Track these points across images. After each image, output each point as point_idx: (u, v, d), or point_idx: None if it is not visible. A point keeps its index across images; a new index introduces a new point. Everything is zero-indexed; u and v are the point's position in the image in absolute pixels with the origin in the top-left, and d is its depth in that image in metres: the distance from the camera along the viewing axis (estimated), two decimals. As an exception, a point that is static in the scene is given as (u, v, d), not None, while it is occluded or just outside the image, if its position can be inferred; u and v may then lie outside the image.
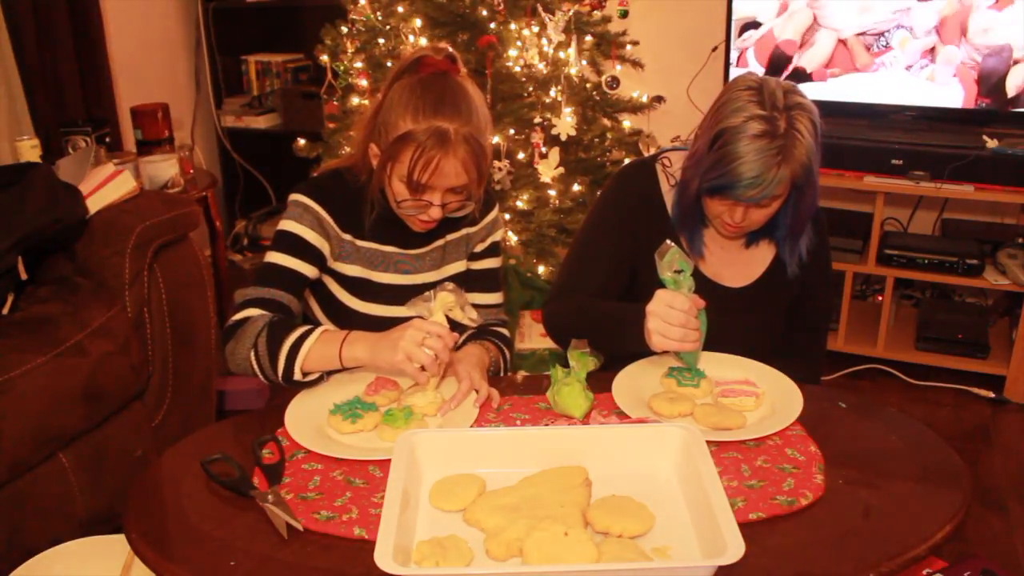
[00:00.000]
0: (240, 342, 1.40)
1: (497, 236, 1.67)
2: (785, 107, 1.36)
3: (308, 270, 1.49)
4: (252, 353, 1.38)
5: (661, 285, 1.39)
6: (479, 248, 1.65)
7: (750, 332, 1.58)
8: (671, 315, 1.35)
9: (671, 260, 1.37)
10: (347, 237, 1.52)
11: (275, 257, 1.48)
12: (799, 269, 1.58)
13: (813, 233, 1.58)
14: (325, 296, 1.57)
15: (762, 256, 1.61)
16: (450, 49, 1.45)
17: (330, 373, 1.42)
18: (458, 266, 1.62)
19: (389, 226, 1.53)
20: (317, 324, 1.58)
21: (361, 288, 1.54)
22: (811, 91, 2.92)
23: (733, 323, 1.54)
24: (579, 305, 1.58)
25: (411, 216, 1.46)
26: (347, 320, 1.54)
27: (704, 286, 1.55)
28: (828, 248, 1.66)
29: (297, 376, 1.37)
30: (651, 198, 1.60)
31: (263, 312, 1.42)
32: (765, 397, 1.38)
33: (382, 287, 1.54)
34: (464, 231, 1.61)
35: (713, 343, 1.46)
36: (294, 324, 1.40)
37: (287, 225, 1.48)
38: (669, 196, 1.59)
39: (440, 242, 1.59)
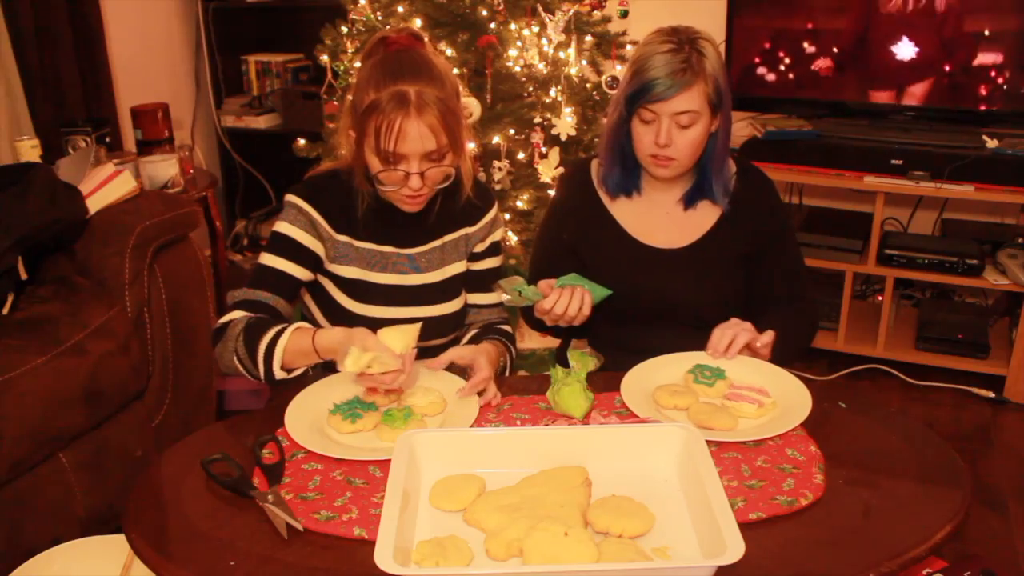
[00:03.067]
0: (224, 345, 1.41)
1: (497, 236, 1.67)
2: (688, 38, 1.53)
3: (300, 272, 1.49)
4: (235, 356, 1.39)
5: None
6: (479, 248, 1.64)
7: (701, 289, 1.67)
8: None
9: (511, 285, 1.50)
10: (343, 239, 1.51)
11: (267, 259, 1.48)
12: (753, 234, 1.67)
13: (753, 184, 1.69)
14: (324, 299, 1.56)
15: (703, 219, 1.69)
16: (414, 28, 1.45)
17: (315, 367, 1.42)
18: (458, 266, 1.62)
19: (385, 224, 1.52)
20: (315, 324, 1.58)
21: (359, 290, 1.54)
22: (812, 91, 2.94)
23: (677, 280, 1.66)
24: None
25: (394, 193, 1.44)
26: (346, 322, 1.53)
27: (639, 251, 1.68)
28: (778, 203, 1.74)
29: (279, 375, 1.38)
30: (584, 187, 1.72)
31: (245, 314, 1.43)
32: (770, 409, 1.36)
33: (380, 288, 1.54)
34: (463, 231, 1.61)
35: (664, 302, 1.65)
36: (270, 324, 1.40)
37: (280, 227, 1.49)
38: (602, 188, 1.71)
39: (438, 242, 1.59)
